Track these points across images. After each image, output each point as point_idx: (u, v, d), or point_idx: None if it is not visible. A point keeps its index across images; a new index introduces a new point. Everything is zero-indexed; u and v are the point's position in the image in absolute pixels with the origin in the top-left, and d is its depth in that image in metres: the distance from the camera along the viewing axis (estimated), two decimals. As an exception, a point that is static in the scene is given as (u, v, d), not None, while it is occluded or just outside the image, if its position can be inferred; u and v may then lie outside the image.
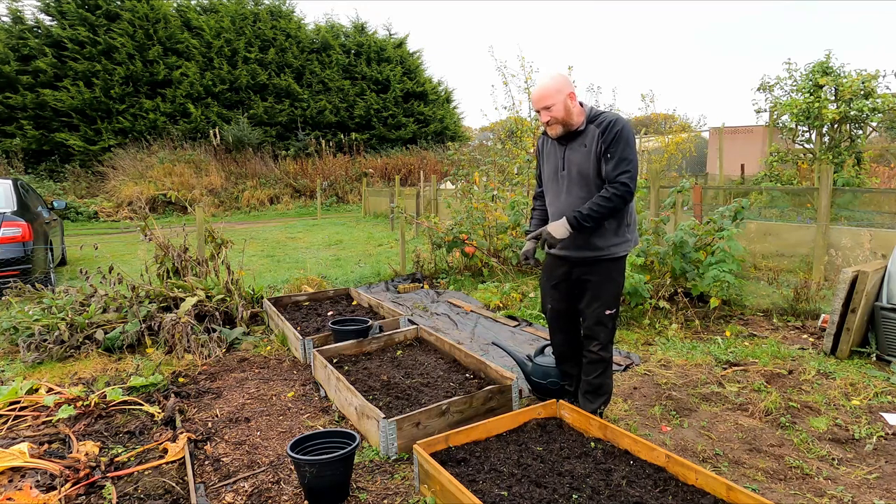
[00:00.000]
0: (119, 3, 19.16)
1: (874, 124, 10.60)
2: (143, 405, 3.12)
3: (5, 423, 2.94)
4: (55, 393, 3.20)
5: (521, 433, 2.58)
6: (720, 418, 2.90)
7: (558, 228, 2.53)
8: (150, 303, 4.45)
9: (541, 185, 2.92)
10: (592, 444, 2.45)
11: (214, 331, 4.35)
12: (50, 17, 18.67)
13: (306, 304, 5.25)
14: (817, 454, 2.52)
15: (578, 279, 2.70)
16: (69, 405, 3.00)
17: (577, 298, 2.73)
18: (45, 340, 4.05)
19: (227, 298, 4.76)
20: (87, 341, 4.16)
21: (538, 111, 2.57)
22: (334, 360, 3.58)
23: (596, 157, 2.52)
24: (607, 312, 2.63)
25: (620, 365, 3.68)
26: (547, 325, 2.85)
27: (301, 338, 3.88)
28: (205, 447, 2.68)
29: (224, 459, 2.59)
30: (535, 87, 2.57)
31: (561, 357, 2.97)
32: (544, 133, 2.76)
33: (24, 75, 17.61)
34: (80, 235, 12.32)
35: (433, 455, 2.28)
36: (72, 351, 4.09)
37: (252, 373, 3.75)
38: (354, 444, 2.25)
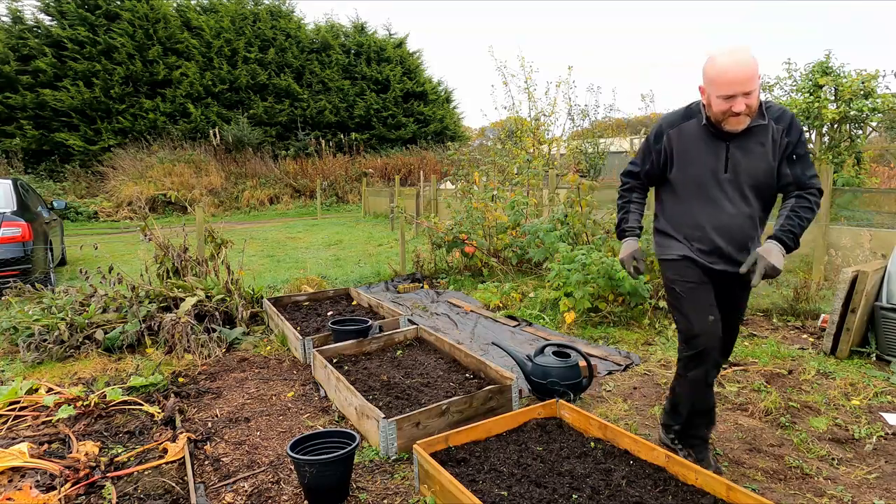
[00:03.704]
0: (119, 3, 19.16)
1: (874, 124, 10.60)
2: (142, 405, 3.12)
3: (5, 423, 2.94)
4: (55, 393, 3.20)
5: (521, 433, 2.57)
6: (720, 418, 2.89)
7: (778, 257, 2.04)
8: (150, 303, 4.45)
9: (640, 178, 2.43)
10: (592, 444, 2.45)
11: (214, 331, 4.35)
12: (50, 17, 18.67)
13: (306, 304, 5.25)
14: (817, 454, 2.52)
15: (730, 292, 2.33)
16: (69, 405, 3.00)
17: (721, 305, 2.33)
18: (44, 340, 4.05)
19: (227, 298, 4.76)
20: (86, 341, 4.16)
21: (728, 97, 1.99)
22: (334, 360, 3.58)
23: (776, 158, 2.11)
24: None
25: (620, 365, 3.68)
26: (690, 353, 2.25)
27: (301, 338, 3.88)
28: (205, 447, 2.68)
29: (224, 459, 2.59)
30: (731, 64, 1.97)
31: (710, 386, 2.35)
32: (670, 121, 2.24)
33: (23, 75, 17.61)
34: (80, 235, 12.32)
35: (433, 455, 2.28)
36: (72, 351, 4.09)
37: (252, 373, 3.75)
38: (354, 444, 2.25)
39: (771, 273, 2.01)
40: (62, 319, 4.23)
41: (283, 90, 21.81)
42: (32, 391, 3.24)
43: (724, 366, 3.41)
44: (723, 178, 2.14)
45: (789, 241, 2.07)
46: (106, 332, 4.21)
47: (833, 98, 9.89)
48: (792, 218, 2.09)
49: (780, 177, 2.14)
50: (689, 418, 2.37)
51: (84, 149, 18.24)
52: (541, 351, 3.19)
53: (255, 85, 21.32)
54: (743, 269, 2.10)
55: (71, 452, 2.55)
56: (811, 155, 2.26)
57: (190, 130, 19.84)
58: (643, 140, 2.32)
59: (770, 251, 2.04)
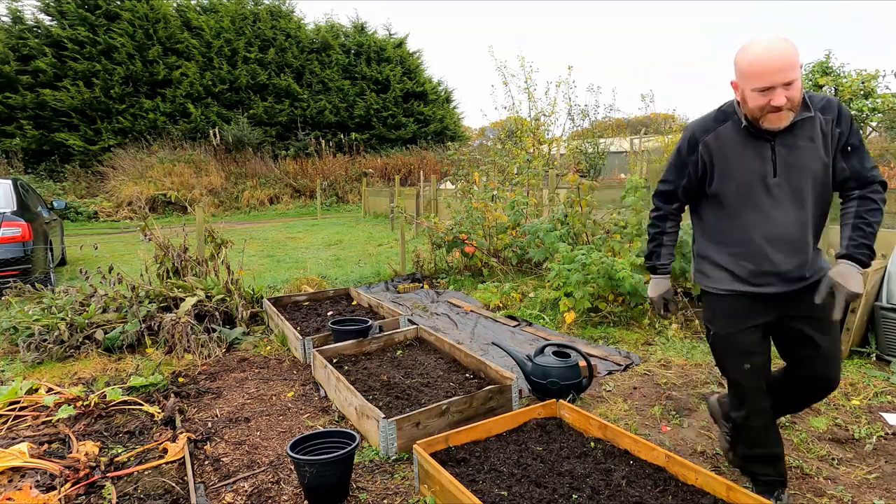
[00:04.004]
0: (119, 3, 19.16)
1: (874, 124, 10.61)
2: (142, 405, 3.12)
3: (5, 423, 2.94)
4: (55, 393, 3.20)
5: (521, 433, 2.57)
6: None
7: (857, 279, 1.76)
8: (150, 303, 4.45)
9: (676, 200, 2.13)
10: (592, 444, 2.45)
11: (214, 331, 4.35)
12: (50, 17, 18.67)
13: (306, 304, 5.25)
14: (817, 454, 2.52)
15: (793, 323, 1.97)
16: (69, 405, 3.00)
17: (789, 345, 2.03)
18: (44, 340, 4.05)
19: (227, 298, 4.76)
20: (86, 341, 4.16)
21: (765, 89, 1.74)
22: (334, 360, 3.58)
23: (829, 152, 1.85)
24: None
25: (620, 365, 3.68)
26: (734, 388, 2.07)
27: (301, 338, 3.88)
28: (205, 447, 2.68)
29: (224, 459, 2.59)
30: (765, 51, 1.72)
31: (766, 430, 2.09)
32: (703, 126, 1.97)
33: (23, 75, 17.61)
34: (80, 235, 12.32)
35: (433, 455, 2.28)
36: (72, 351, 4.09)
37: (252, 373, 3.75)
38: (354, 444, 2.26)
39: (850, 298, 1.74)
40: (62, 319, 4.23)
41: (283, 90, 21.81)
42: (32, 391, 3.24)
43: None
44: (772, 182, 1.86)
45: (864, 258, 1.79)
46: (106, 332, 4.21)
47: (833, 98, 9.88)
48: (860, 227, 1.82)
49: (835, 173, 1.87)
50: (747, 457, 2.15)
51: (84, 149, 18.24)
52: (541, 351, 3.18)
53: (255, 85, 21.32)
54: (818, 299, 1.81)
55: (71, 452, 2.55)
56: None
57: (190, 130, 19.85)
58: (672, 154, 2.06)
59: (846, 275, 1.75)
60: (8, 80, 17.40)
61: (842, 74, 9.80)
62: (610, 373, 3.57)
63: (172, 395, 3.27)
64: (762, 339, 2.01)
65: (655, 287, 2.22)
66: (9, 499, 2.12)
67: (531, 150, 10.39)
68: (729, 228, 1.98)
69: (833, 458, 2.48)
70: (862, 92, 9.35)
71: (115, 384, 3.46)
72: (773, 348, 2.08)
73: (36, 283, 5.08)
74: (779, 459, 2.11)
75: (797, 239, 1.89)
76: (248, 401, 3.28)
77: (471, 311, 5.28)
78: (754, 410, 2.03)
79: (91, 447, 2.57)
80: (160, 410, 3.04)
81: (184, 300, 4.48)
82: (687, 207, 2.18)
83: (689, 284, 4.76)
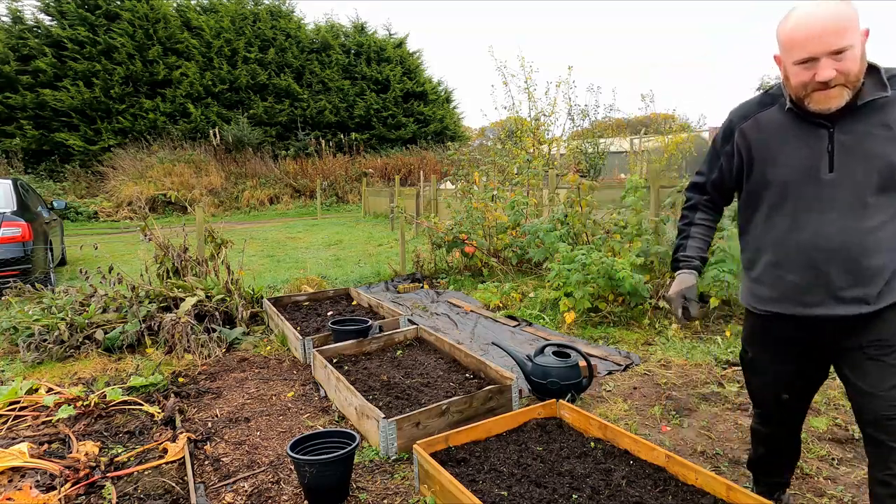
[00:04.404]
0: (119, 3, 19.16)
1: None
2: (142, 405, 3.12)
3: (5, 423, 2.94)
4: (55, 393, 3.20)
5: (521, 433, 2.58)
6: (720, 418, 2.90)
7: None
8: (150, 303, 4.45)
9: (707, 192, 1.88)
10: (592, 444, 2.45)
11: (214, 331, 4.35)
12: (50, 17, 18.68)
13: (306, 304, 5.25)
14: (817, 454, 2.52)
15: (847, 356, 1.62)
16: (69, 405, 3.00)
17: (846, 381, 1.66)
18: (44, 340, 4.05)
19: (227, 298, 4.76)
20: (86, 341, 4.16)
21: (806, 60, 1.43)
22: (334, 360, 3.58)
23: None
24: None
25: (620, 365, 3.68)
26: (760, 413, 1.95)
27: (301, 338, 3.88)
28: (205, 447, 2.68)
29: (224, 459, 2.59)
30: (807, 14, 1.42)
31: (778, 454, 2.00)
32: (742, 112, 1.69)
33: (23, 75, 17.62)
34: (80, 235, 12.32)
35: (433, 455, 2.28)
36: (72, 351, 4.09)
37: (252, 373, 3.76)
38: (354, 444, 2.26)
39: None
40: (62, 319, 4.23)
41: (283, 90, 21.81)
42: (32, 391, 3.24)
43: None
44: (826, 179, 1.51)
45: None
46: (106, 332, 4.21)
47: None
48: None
49: None
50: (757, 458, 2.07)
51: (84, 149, 18.25)
52: (541, 351, 3.18)
53: (255, 85, 21.33)
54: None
55: (71, 452, 2.55)
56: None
57: (190, 130, 19.85)
58: (710, 144, 1.84)
59: None
60: (8, 80, 17.41)
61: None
62: (610, 373, 3.57)
63: (172, 395, 3.27)
64: (807, 372, 1.75)
65: (676, 283, 1.84)
66: (9, 499, 2.12)
67: (531, 150, 10.39)
68: (771, 235, 1.64)
69: (833, 458, 2.48)
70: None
71: (115, 384, 3.46)
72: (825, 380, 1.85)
73: (36, 283, 5.08)
74: (786, 468, 2.04)
75: (857, 252, 1.50)
76: (248, 401, 3.28)
77: (471, 311, 5.28)
78: (778, 433, 1.93)
79: (91, 447, 2.57)
80: (160, 410, 3.04)
81: (184, 300, 4.48)
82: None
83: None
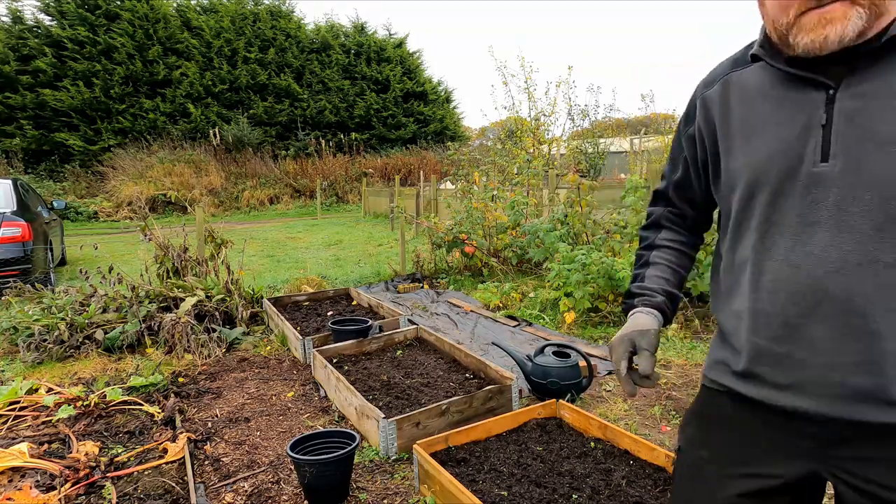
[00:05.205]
0: (119, 3, 19.16)
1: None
2: (142, 405, 3.12)
3: (5, 423, 2.94)
4: (55, 393, 3.20)
5: (521, 433, 2.58)
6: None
7: None
8: (150, 303, 4.45)
9: (671, 201, 1.23)
10: (592, 444, 2.45)
11: (214, 331, 4.35)
12: (50, 17, 18.67)
13: (306, 304, 5.25)
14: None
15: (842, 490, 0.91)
16: (69, 405, 3.00)
17: None
18: (44, 340, 4.05)
19: (227, 298, 4.77)
20: (86, 341, 4.16)
21: None
22: (334, 360, 3.58)
23: None
24: None
25: (620, 365, 3.68)
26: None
27: (301, 338, 3.88)
28: (205, 447, 2.68)
29: (224, 459, 2.59)
30: None
31: None
32: (709, 78, 1.07)
33: (23, 75, 17.61)
34: (80, 235, 12.32)
35: (433, 455, 2.28)
36: (72, 351, 4.09)
37: (252, 373, 3.76)
38: (354, 444, 2.26)
39: None
40: (62, 319, 4.23)
41: (283, 90, 21.81)
42: (32, 391, 3.24)
43: None
44: (816, 173, 0.87)
45: None
46: (106, 332, 4.21)
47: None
48: None
49: None
50: None
51: (84, 149, 18.24)
52: (541, 351, 3.19)
53: (255, 85, 21.33)
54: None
55: (71, 452, 2.55)
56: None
57: (190, 130, 19.85)
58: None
59: None
60: (8, 80, 17.41)
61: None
62: (610, 373, 3.57)
63: (172, 395, 3.27)
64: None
65: (626, 327, 1.11)
66: (9, 499, 2.12)
67: (531, 150, 10.39)
68: (733, 271, 1.00)
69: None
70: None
71: (115, 384, 3.46)
72: None
73: (36, 283, 5.08)
74: None
75: (863, 302, 0.83)
76: (248, 401, 3.28)
77: (471, 311, 5.28)
78: None
79: (91, 447, 2.57)
80: (160, 410, 3.04)
81: (184, 300, 4.48)
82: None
83: (689, 284, 4.76)
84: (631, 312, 1.15)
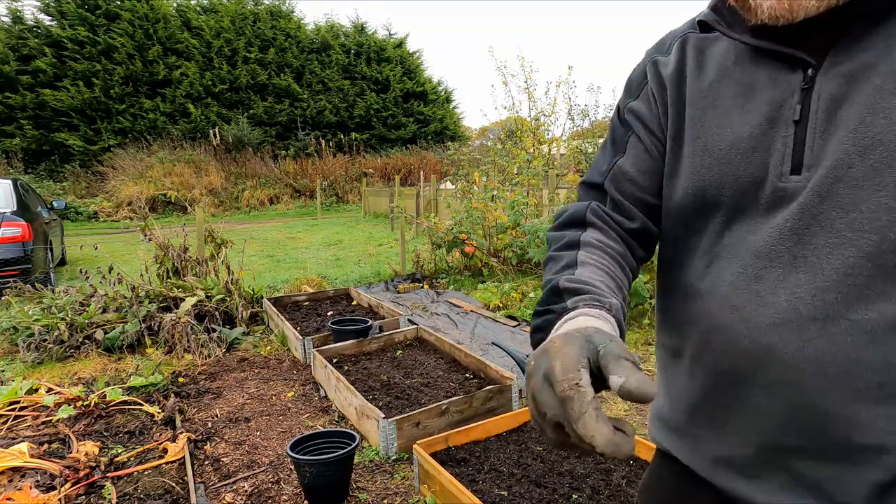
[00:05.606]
0: (119, 3, 19.17)
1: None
2: (142, 405, 3.12)
3: (5, 423, 2.94)
4: (55, 393, 3.20)
5: (521, 433, 2.58)
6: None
7: None
8: (149, 303, 4.45)
9: (601, 192, 0.81)
10: (592, 444, 2.45)
11: (214, 331, 4.35)
12: (50, 17, 18.67)
13: (306, 304, 5.25)
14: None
15: None
16: (69, 405, 3.00)
17: None
18: (44, 340, 4.05)
19: (227, 298, 4.77)
20: (86, 341, 4.16)
21: None
22: (334, 360, 3.58)
23: None
24: None
25: (620, 365, 3.68)
26: None
27: (301, 338, 3.88)
28: (205, 447, 2.68)
29: (224, 459, 2.59)
30: None
31: None
32: (665, 42, 0.78)
33: (23, 75, 17.62)
34: (79, 235, 12.32)
35: (433, 455, 2.28)
36: (72, 351, 4.09)
37: (252, 373, 3.76)
38: (354, 444, 2.26)
39: None
40: (62, 319, 4.23)
41: (283, 90, 21.82)
42: (32, 391, 3.24)
43: None
44: (780, 187, 0.62)
45: None
46: (106, 332, 4.21)
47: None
48: None
49: None
50: None
51: (84, 149, 18.25)
52: (541, 351, 3.18)
53: (255, 85, 21.33)
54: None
55: (71, 452, 2.55)
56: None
57: (190, 130, 19.86)
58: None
59: None
60: (8, 80, 17.41)
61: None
62: (610, 373, 3.57)
63: (172, 395, 3.27)
64: None
65: (563, 329, 0.59)
66: (9, 499, 2.12)
67: (531, 150, 10.39)
68: (675, 297, 0.77)
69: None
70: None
71: (115, 384, 3.46)
72: None
73: (36, 283, 5.08)
74: None
75: (840, 371, 0.59)
76: (248, 401, 3.28)
77: (471, 311, 5.28)
78: None
79: (91, 447, 2.57)
80: (160, 410, 3.04)
81: (184, 300, 4.48)
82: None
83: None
84: (567, 317, 0.62)
